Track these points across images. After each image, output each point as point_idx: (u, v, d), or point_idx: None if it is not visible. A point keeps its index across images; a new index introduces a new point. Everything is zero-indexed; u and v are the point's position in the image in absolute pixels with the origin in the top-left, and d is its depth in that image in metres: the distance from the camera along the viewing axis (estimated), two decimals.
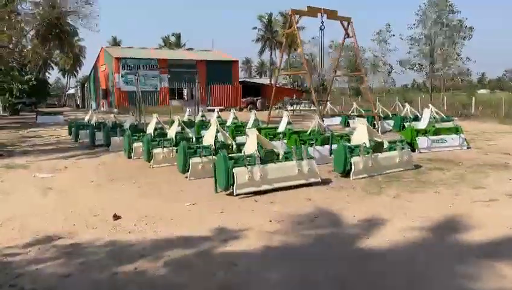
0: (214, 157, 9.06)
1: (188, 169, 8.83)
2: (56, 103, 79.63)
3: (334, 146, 9.98)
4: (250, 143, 7.94)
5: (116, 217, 6.09)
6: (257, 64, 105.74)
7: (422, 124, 13.16)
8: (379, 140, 9.41)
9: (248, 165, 7.35)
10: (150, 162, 10.55)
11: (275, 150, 7.95)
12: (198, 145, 9.43)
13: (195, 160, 8.84)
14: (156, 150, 10.47)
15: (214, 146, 9.24)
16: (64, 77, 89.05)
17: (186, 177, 8.85)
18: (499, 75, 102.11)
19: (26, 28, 31.03)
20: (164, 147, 10.53)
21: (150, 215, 6.18)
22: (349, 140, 11.06)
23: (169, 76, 41.86)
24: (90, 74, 55.14)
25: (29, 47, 41.02)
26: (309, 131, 11.45)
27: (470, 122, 22.98)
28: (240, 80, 49.78)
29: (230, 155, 7.43)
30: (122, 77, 39.82)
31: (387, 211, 5.96)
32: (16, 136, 19.73)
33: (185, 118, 18.78)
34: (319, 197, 7.07)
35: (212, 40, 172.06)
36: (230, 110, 18.26)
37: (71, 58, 72.95)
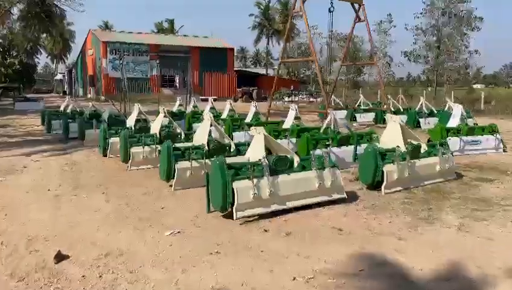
0: (207, 161, 7.10)
1: (173, 176, 6.85)
2: (44, 88, 77.05)
3: (359, 148, 8.03)
4: (256, 146, 5.96)
5: (59, 257, 4.09)
6: (252, 54, 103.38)
7: (452, 122, 11.23)
8: (415, 142, 7.46)
9: (254, 177, 5.37)
10: (127, 163, 8.54)
11: (288, 155, 5.97)
12: (187, 145, 7.40)
13: (182, 165, 6.84)
14: (134, 149, 8.45)
15: (207, 147, 7.23)
16: (53, 62, 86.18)
17: (171, 185, 6.88)
18: (495, 70, 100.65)
19: (6, 4, 28.46)
20: (145, 144, 8.51)
21: (111, 255, 4.20)
22: (370, 139, 9.17)
23: (158, 61, 39.43)
24: (77, 59, 52.49)
25: (16, 30, 38.48)
26: (322, 128, 9.46)
27: (483, 119, 21.07)
28: (235, 69, 47.54)
29: (229, 163, 5.45)
30: (110, 62, 37.37)
31: (469, 258, 4.00)
32: None
33: (175, 109, 16.72)
34: (352, 225, 5.11)
35: (207, 28, 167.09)
36: (225, 100, 16.13)
37: (59, 43, 70.25)
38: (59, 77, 72.92)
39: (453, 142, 10.29)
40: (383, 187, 6.73)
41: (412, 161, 7.10)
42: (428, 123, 16.33)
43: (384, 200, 6.28)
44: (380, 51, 43.59)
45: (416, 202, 6.23)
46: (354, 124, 18.23)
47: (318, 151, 8.52)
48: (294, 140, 9.60)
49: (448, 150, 7.70)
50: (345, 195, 6.19)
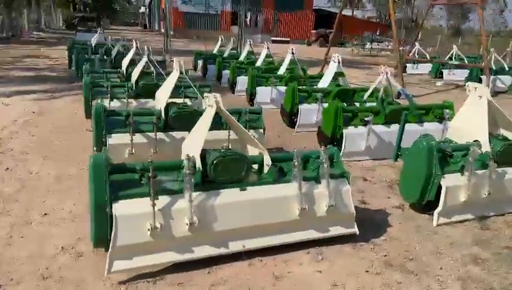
0: (162, 135, 4.70)
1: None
2: (132, 21, 78.68)
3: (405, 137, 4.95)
4: (196, 133, 3.33)
5: None
6: None
7: None
8: (510, 135, 4.29)
9: (162, 194, 2.84)
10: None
11: (253, 153, 3.28)
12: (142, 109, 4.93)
13: (117, 139, 4.48)
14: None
15: (163, 113, 4.72)
16: None
17: None
18: None
19: None
20: (113, 98, 6.22)
21: None
22: (440, 119, 5.99)
23: None
24: None
25: None
26: (367, 93, 6.39)
27: None
28: (316, 7, 42.92)
29: (119, 164, 2.96)
30: None
31: None
32: (22, 54, 16.63)
33: (215, 50, 14.17)
34: None
35: None
36: (300, 44, 12.94)
37: None
38: (142, 9, 73.03)
39: None
40: (436, 214, 3.84)
41: (500, 169, 4.02)
42: None
43: (435, 246, 3.42)
44: None
45: (501, 257, 3.29)
46: (438, 83, 14.42)
47: (351, 131, 5.70)
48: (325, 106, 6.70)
49: None
50: (355, 229, 3.43)
